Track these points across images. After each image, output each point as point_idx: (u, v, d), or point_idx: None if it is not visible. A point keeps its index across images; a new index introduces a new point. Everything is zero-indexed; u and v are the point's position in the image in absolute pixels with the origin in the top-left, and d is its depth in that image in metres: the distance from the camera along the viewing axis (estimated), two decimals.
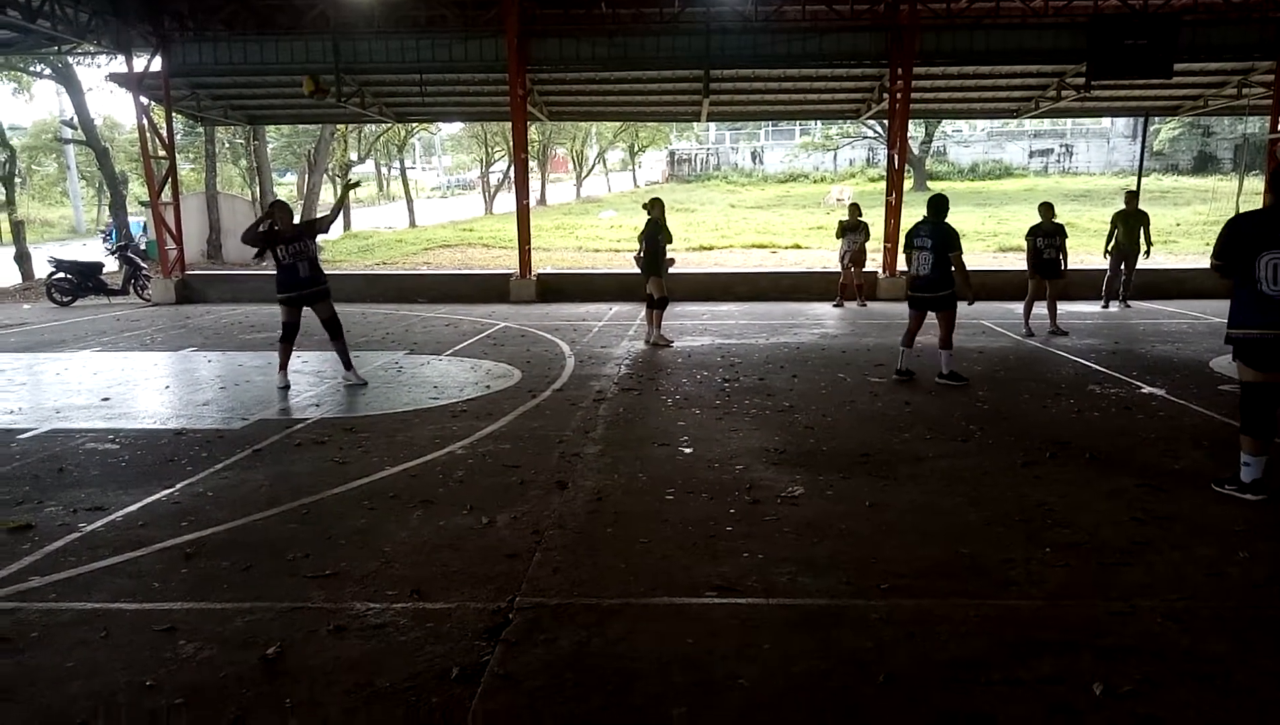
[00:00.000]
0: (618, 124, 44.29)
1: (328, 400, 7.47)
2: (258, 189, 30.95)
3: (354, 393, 7.77)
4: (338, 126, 31.11)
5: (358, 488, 5.04)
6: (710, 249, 25.60)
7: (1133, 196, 13.36)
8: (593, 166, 54.65)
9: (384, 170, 57.92)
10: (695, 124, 42.27)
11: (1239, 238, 4.63)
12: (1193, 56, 14.71)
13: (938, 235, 7.73)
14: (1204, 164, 48.56)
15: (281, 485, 5.08)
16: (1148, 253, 13.23)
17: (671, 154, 57.41)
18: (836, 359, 9.31)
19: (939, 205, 7.88)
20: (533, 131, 37.47)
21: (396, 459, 5.60)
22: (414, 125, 40.51)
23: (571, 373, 8.62)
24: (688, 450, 5.78)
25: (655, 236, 10.02)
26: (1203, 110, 19.41)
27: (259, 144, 30.77)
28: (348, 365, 8.05)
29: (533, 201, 45.16)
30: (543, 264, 21.28)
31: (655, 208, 10.15)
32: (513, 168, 19.09)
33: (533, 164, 49.24)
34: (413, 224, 39.50)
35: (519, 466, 5.41)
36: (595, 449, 5.83)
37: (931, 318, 7.97)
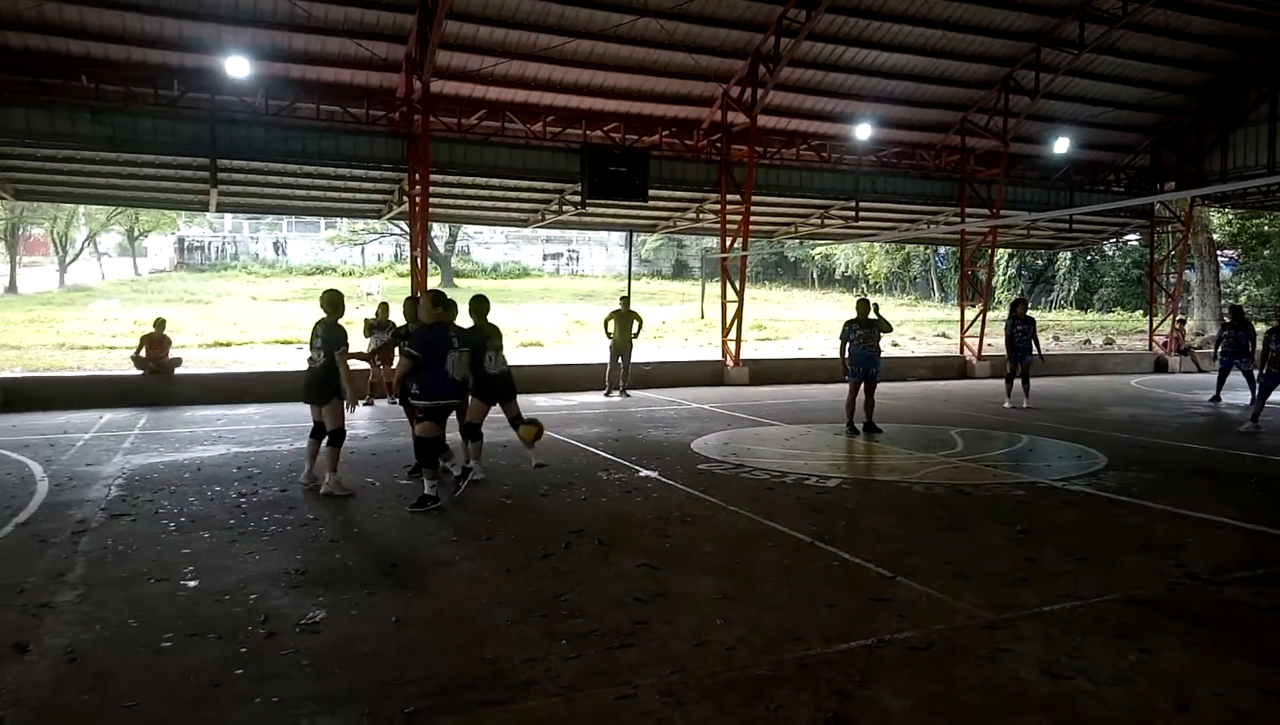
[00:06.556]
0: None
1: None
2: None
3: None
4: None
5: None
6: (228, 345, 23.55)
7: (625, 299, 15.34)
8: (80, 250, 47.36)
9: None
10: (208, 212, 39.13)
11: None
12: (662, 186, 17.51)
13: None
14: (680, 270, 57.64)
15: None
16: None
17: (181, 241, 52.45)
18: (366, 462, 9.08)
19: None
20: None
21: None
22: None
23: (43, 501, 7.24)
24: (192, 584, 5.16)
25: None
26: (673, 229, 23.14)
27: None
28: None
29: None
30: (11, 365, 17.83)
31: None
32: None
33: None
34: None
35: None
36: (71, 595, 4.92)
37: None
